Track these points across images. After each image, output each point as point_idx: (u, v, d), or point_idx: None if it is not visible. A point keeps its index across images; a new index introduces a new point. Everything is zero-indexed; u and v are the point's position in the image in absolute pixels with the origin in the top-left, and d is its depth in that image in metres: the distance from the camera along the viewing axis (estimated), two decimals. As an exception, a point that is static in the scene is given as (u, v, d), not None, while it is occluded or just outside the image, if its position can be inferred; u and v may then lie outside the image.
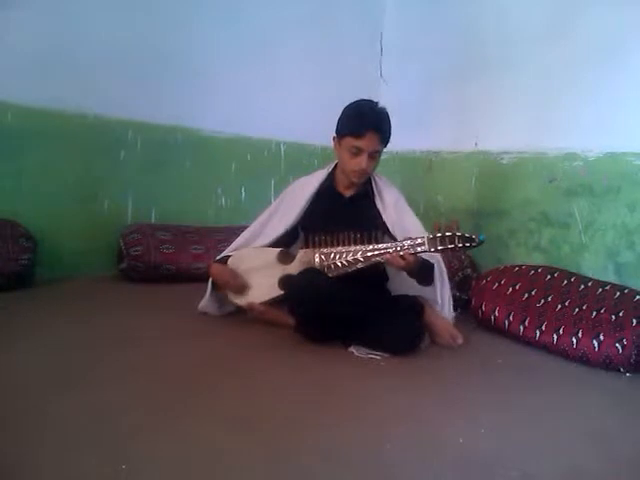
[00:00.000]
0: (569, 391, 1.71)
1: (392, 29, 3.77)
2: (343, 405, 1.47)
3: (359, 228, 1.93)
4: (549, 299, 2.15)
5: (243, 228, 2.34)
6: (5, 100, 2.57)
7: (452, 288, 2.20)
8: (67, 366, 1.58)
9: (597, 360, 1.89)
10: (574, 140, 2.64)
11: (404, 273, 1.94)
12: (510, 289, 2.28)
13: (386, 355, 1.86)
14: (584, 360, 1.92)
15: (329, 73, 3.55)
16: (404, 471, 1.16)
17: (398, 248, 1.84)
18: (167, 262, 2.79)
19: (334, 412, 1.42)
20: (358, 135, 1.95)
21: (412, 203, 2.21)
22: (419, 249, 1.81)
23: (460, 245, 1.78)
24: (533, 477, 1.17)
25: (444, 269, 2.13)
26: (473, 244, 1.78)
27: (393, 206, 2.11)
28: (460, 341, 2.05)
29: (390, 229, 2.07)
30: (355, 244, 1.93)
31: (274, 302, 2.08)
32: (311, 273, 1.93)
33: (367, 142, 1.96)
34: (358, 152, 1.98)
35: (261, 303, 2.08)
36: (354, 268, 1.92)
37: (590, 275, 2.34)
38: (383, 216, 2.10)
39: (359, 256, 1.91)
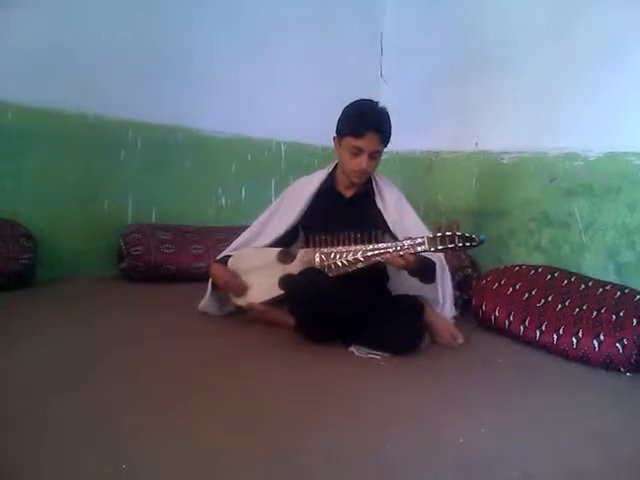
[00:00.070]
0: (569, 391, 1.71)
1: (392, 29, 3.77)
2: (343, 405, 1.47)
3: (359, 228, 1.93)
4: (549, 299, 2.15)
5: (243, 228, 2.34)
6: (5, 100, 2.57)
7: (452, 287, 2.20)
8: (67, 366, 1.58)
9: (597, 360, 1.89)
10: (574, 140, 2.64)
11: (405, 273, 1.94)
12: (510, 289, 2.28)
13: (386, 355, 1.86)
14: (584, 360, 1.92)
15: (329, 73, 3.55)
16: (404, 471, 1.16)
17: (398, 248, 1.84)
18: (167, 262, 2.79)
19: (334, 412, 1.42)
20: (358, 135, 1.95)
21: (412, 203, 2.21)
22: (419, 249, 1.81)
23: (460, 245, 1.78)
24: (533, 477, 1.17)
25: (446, 266, 2.13)
26: (473, 244, 1.78)
27: (394, 205, 2.12)
28: (460, 341, 2.05)
29: (391, 228, 2.07)
30: (355, 244, 1.93)
31: (274, 302, 2.08)
32: (311, 273, 1.93)
33: (367, 142, 1.96)
34: (358, 152, 1.98)
35: (261, 303, 2.08)
36: (354, 268, 1.92)
37: (590, 275, 2.34)
38: (384, 215, 2.10)
39: (359, 256, 1.91)
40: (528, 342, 2.11)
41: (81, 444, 1.16)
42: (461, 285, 2.54)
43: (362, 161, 1.98)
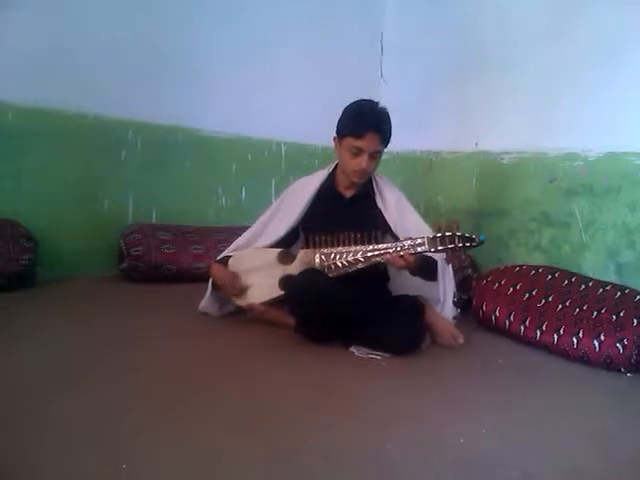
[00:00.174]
0: (570, 391, 1.71)
1: (392, 29, 3.77)
2: (343, 405, 1.47)
3: (359, 228, 1.93)
4: (550, 299, 2.15)
5: (244, 228, 2.34)
6: (5, 100, 2.57)
7: (454, 286, 2.19)
8: (67, 366, 1.58)
9: (598, 360, 1.89)
10: (574, 140, 2.64)
11: (405, 272, 1.94)
12: (511, 289, 2.28)
13: (387, 355, 1.85)
14: (585, 360, 1.92)
15: (329, 73, 3.55)
16: (405, 471, 1.16)
17: (398, 248, 1.84)
18: (168, 262, 2.79)
19: (334, 412, 1.42)
20: (358, 135, 1.95)
21: (412, 203, 2.20)
22: (419, 249, 1.81)
23: (460, 245, 1.77)
24: (534, 477, 1.16)
25: (447, 265, 2.13)
26: (473, 244, 1.78)
27: (394, 205, 2.11)
28: (461, 341, 2.05)
29: (392, 228, 2.07)
30: (355, 244, 1.93)
31: (274, 302, 2.08)
32: (311, 273, 1.93)
33: (367, 142, 1.95)
34: (358, 152, 1.98)
35: (261, 303, 2.08)
36: (354, 268, 1.92)
37: (591, 275, 2.34)
38: (385, 215, 2.09)
39: (359, 256, 1.91)
40: (529, 342, 2.11)
41: (81, 444, 1.16)
42: (461, 285, 2.54)
43: (362, 161, 1.98)
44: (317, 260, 1.97)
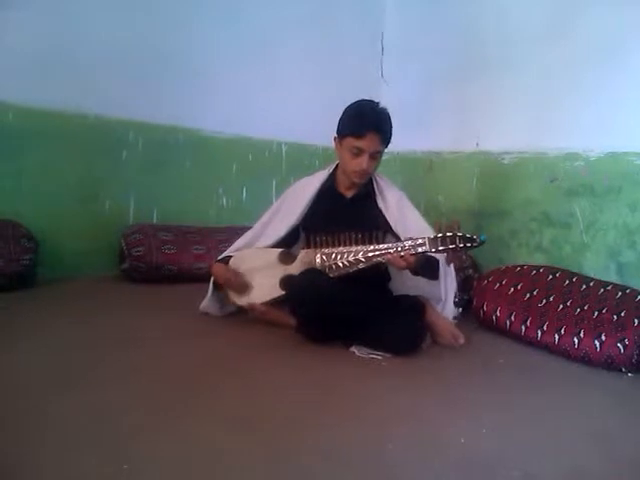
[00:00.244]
0: (571, 391, 1.70)
1: (393, 29, 3.76)
2: (344, 405, 1.47)
3: (360, 228, 1.93)
4: (551, 299, 2.15)
5: (245, 228, 2.34)
6: (5, 100, 2.57)
7: (456, 286, 2.19)
8: (68, 366, 1.58)
9: (599, 360, 1.89)
10: (575, 140, 2.64)
11: (406, 273, 1.94)
12: (512, 289, 2.27)
13: (387, 355, 1.85)
14: (586, 360, 1.92)
15: (330, 73, 3.55)
16: (405, 471, 1.16)
17: (399, 248, 1.84)
18: (169, 262, 2.79)
19: (335, 412, 1.42)
20: (359, 135, 1.95)
21: (413, 203, 2.20)
22: (420, 249, 1.81)
23: (461, 245, 1.77)
24: (535, 477, 1.16)
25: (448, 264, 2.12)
26: (474, 244, 1.77)
27: (395, 205, 2.11)
28: (462, 341, 2.05)
29: (393, 228, 2.07)
30: (356, 244, 1.92)
31: (275, 302, 2.07)
32: (312, 273, 1.93)
33: (368, 142, 1.95)
34: (359, 152, 1.97)
35: (262, 303, 2.08)
36: (355, 268, 1.92)
37: (592, 275, 2.34)
38: (386, 215, 2.09)
39: (360, 256, 1.91)
40: (529, 342, 2.11)
41: (81, 444, 1.16)
42: (462, 285, 2.54)
43: (363, 162, 1.98)
44: (318, 260, 1.97)
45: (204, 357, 1.76)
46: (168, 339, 1.91)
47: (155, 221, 3.05)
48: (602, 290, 2.10)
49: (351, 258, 1.92)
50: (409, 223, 2.07)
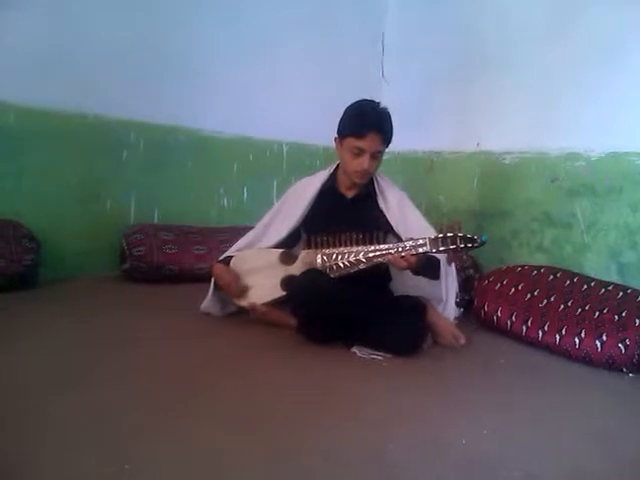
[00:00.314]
0: (572, 391, 1.70)
1: (394, 29, 3.76)
2: (345, 406, 1.46)
3: (361, 229, 1.93)
4: (552, 299, 2.15)
5: (246, 229, 2.34)
6: (5, 101, 2.57)
7: (457, 286, 2.19)
8: (68, 366, 1.58)
9: (600, 360, 1.88)
10: (576, 140, 2.64)
11: (407, 273, 1.93)
12: (513, 289, 2.27)
13: (388, 356, 1.85)
14: (587, 360, 1.91)
15: (330, 73, 3.55)
16: (406, 472, 1.15)
17: (400, 249, 1.84)
18: (170, 262, 2.79)
19: (335, 413, 1.41)
20: (360, 135, 1.95)
21: (414, 203, 2.20)
22: (421, 250, 1.80)
23: (462, 246, 1.76)
24: (536, 478, 1.16)
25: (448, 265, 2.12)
26: (475, 244, 1.77)
27: (396, 205, 2.11)
28: (462, 341, 2.05)
29: (394, 228, 2.06)
30: (357, 245, 1.92)
31: (276, 303, 2.07)
32: (313, 274, 1.93)
33: (369, 142, 1.95)
34: (360, 152, 1.97)
35: (263, 304, 2.08)
36: (356, 269, 1.92)
37: (593, 275, 2.33)
38: (387, 215, 2.09)
39: (361, 257, 1.91)
40: (530, 342, 2.11)
41: (81, 444, 1.16)
42: (463, 286, 2.53)
43: (364, 162, 1.97)
44: (319, 260, 1.97)
45: (204, 357, 1.76)
46: (169, 339, 1.91)
47: (156, 221, 3.05)
48: (603, 290, 2.10)
49: (352, 258, 1.92)
50: (410, 223, 2.07)
